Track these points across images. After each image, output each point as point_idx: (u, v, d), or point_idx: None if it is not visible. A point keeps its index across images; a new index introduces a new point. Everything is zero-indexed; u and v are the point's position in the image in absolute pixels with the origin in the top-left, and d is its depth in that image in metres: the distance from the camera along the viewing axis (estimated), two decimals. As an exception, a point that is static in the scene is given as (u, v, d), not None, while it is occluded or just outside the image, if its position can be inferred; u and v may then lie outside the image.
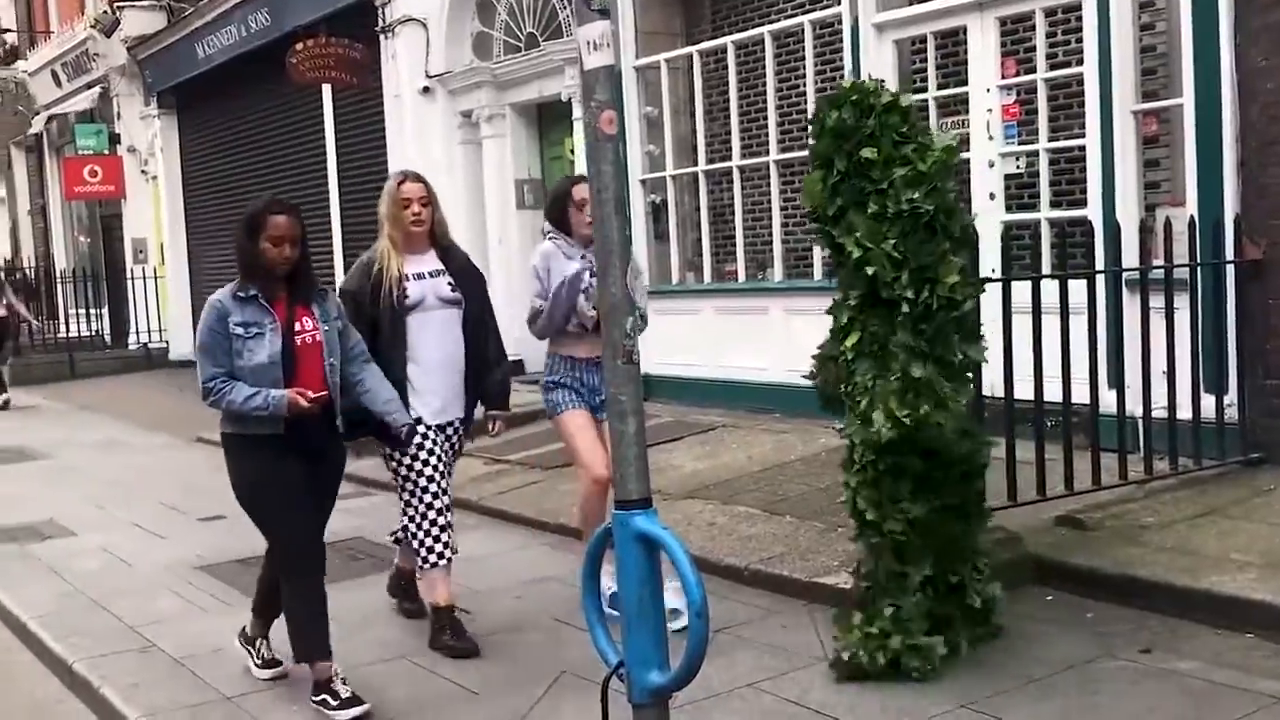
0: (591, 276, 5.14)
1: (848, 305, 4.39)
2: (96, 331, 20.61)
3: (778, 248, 9.27)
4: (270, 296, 4.40)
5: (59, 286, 21.36)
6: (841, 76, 8.51)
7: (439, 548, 5.12)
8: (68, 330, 19.59)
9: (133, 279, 18.81)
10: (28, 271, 22.49)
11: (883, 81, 4.59)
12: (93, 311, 20.74)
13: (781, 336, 9.02)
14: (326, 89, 13.93)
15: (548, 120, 12.25)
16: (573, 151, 11.52)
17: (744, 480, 7.25)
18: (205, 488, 8.48)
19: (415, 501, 5.11)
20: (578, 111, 11.07)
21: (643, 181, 10.29)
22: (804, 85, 8.97)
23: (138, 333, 18.97)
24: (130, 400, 14.13)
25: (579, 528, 5.55)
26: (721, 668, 4.49)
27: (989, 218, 7.23)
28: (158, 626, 5.52)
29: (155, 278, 18.83)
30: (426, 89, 12.73)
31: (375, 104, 13.33)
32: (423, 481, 5.08)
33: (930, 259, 4.21)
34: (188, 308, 17.81)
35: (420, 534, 5.11)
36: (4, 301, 15.22)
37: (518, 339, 12.24)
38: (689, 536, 6.03)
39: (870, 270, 4.21)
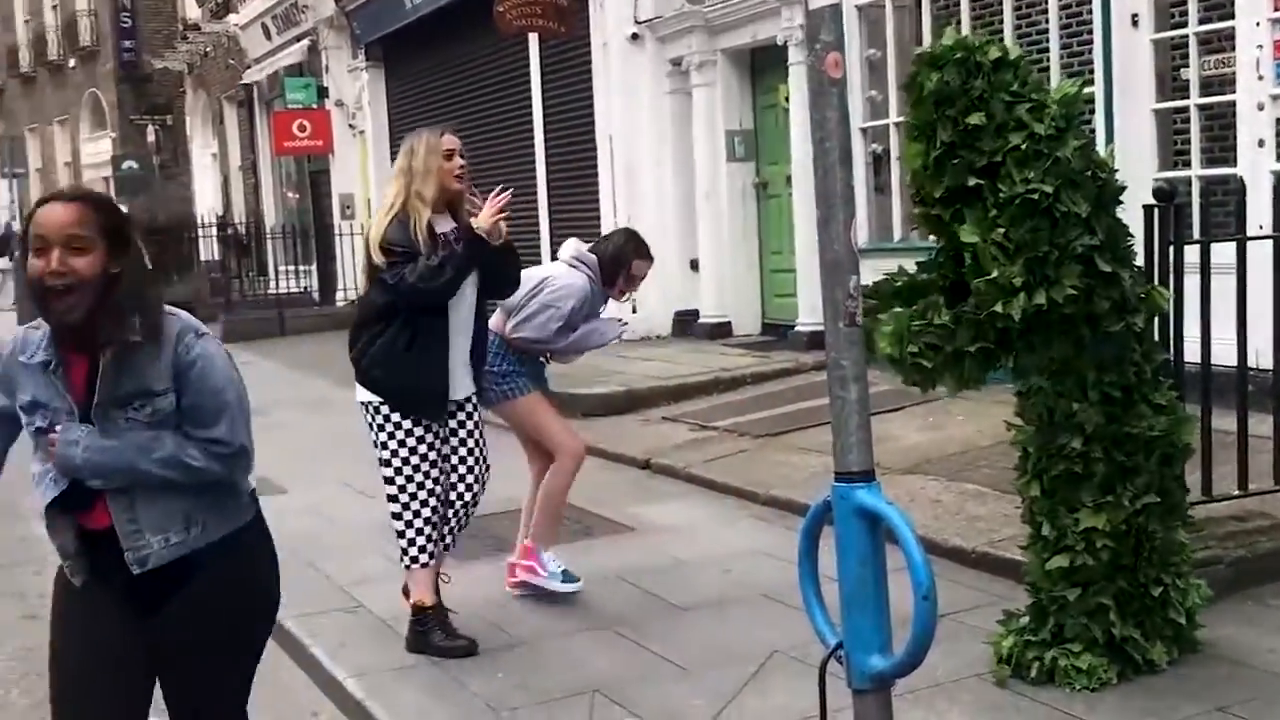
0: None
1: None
2: (305, 288, 21.53)
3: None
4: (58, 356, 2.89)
5: (269, 243, 22.37)
6: (1089, 13, 8.17)
7: (429, 545, 4.93)
8: (277, 287, 20.49)
9: (340, 235, 19.55)
10: (238, 228, 23.60)
11: (994, 35, 4.26)
12: (301, 268, 21.67)
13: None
14: (533, 39, 14.14)
15: (761, 67, 12.16)
16: (787, 99, 11.41)
17: (972, 455, 7.09)
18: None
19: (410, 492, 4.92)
20: (794, 56, 10.95)
21: (863, 130, 10.12)
22: (1046, 22, 8.63)
23: (345, 290, 19.74)
24: (339, 358, 14.68)
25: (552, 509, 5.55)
26: (946, 655, 4.38)
27: (1258, 167, 6.84)
28: (365, 587, 5.75)
29: (364, 233, 19.52)
30: (635, 36, 12.80)
31: (582, 53, 13.47)
32: (422, 473, 4.91)
33: (1046, 251, 3.88)
34: (393, 264, 18.44)
35: (410, 530, 4.92)
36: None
37: (728, 303, 12.29)
38: (911, 514, 5.92)
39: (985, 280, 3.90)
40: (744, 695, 4.33)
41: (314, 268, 21.73)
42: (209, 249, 23.24)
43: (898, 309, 4.09)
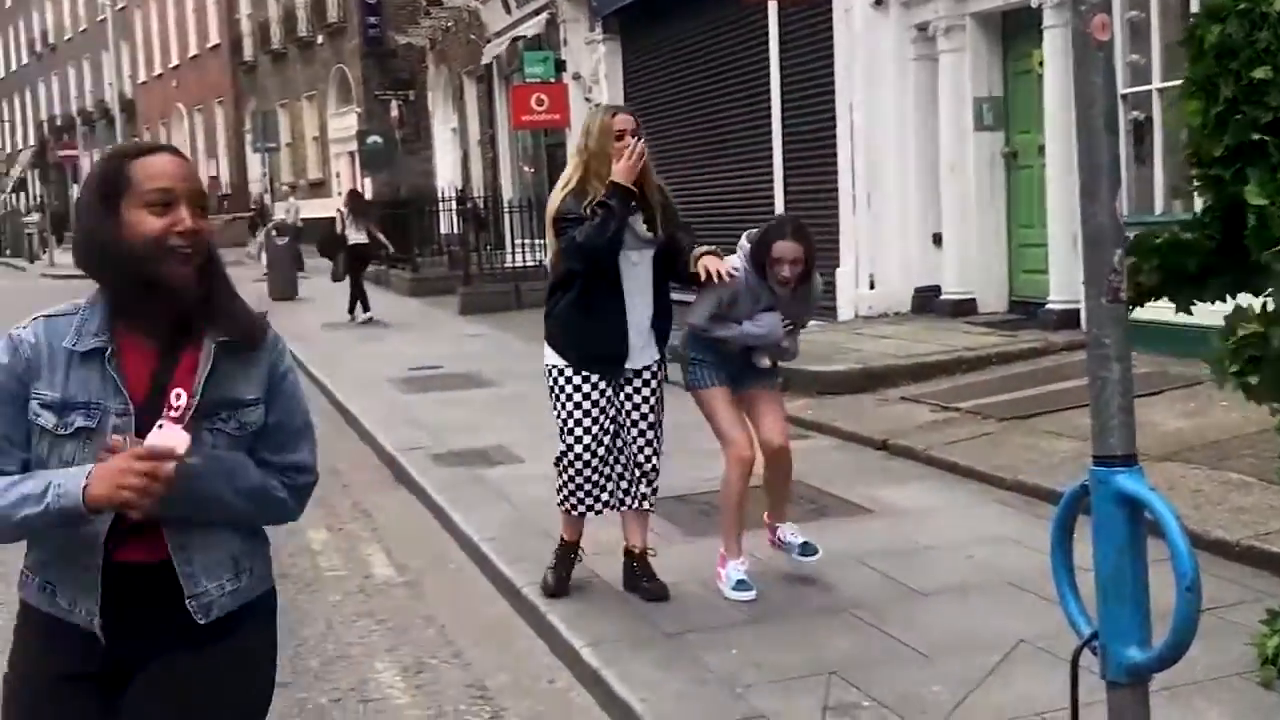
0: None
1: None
2: (539, 262, 22.01)
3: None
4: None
5: (506, 217, 22.96)
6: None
7: (586, 499, 5.28)
8: (513, 260, 21.02)
9: (576, 208, 19.89)
10: (477, 202, 24.29)
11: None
12: (537, 242, 22.17)
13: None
14: (772, 7, 14.06)
15: (1013, 31, 11.83)
16: (1041, 65, 11.07)
17: (1236, 443, 6.77)
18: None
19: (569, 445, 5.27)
20: (1050, 19, 10.62)
21: (1124, 96, 9.73)
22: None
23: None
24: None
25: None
26: (1206, 652, 4.21)
27: None
28: (602, 558, 5.87)
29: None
30: (879, 1, 12.62)
31: (823, 22, 13.36)
32: (584, 430, 5.22)
33: None
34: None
35: (563, 478, 5.31)
36: (363, 228, 18.11)
37: (972, 279, 12.03)
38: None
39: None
40: (988, 684, 4.27)
41: (549, 241, 22.14)
42: (446, 224, 24.03)
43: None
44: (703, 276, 5.15)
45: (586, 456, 5.24)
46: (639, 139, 5.18)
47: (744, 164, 15.33)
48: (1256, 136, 3.77)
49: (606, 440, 5.26)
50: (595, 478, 5.28)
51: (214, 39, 45.19)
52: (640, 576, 5.37)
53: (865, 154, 12.76)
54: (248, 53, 42.48)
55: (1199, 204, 4.12)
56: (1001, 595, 5.17)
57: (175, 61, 48.94)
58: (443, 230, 23.98)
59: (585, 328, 5.18)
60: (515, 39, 22.50)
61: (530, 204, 22.31)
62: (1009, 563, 5.55)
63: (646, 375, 5.31)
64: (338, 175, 36.52)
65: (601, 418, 5.23)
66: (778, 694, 4.29)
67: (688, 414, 5.70)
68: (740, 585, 5.29)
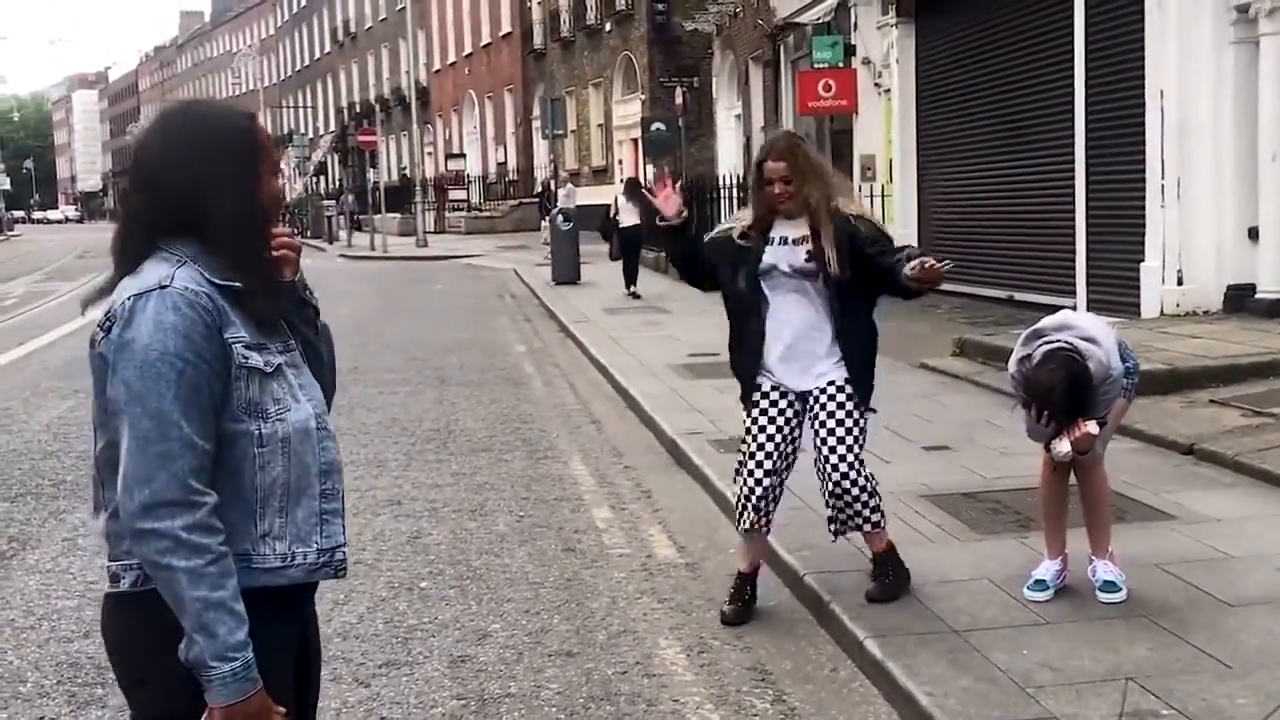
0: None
1: None
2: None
3: None
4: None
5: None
6: None
7: (751, 514, 5.33)
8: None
9: (871, 197, 19.81)
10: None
11: None
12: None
13: None
14: (1079, -12, 13.68)
15: (1348, 11, 11.14)
16: (1380, 48, 10.40)
17: None
18: (929, 416, 8.88)
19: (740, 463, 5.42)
20: (1390, -2, 9.97)
21: None
22: None
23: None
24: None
25: None
26: None
27: None
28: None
29: (883, 195, 19.73)
30: (1196, -19, 12.10)
31: (1134, 3, 12.88)
32: (751, 447, 5.37)
33: None
34: (913, 228, 18.51)
35: (735, 497, 5.43)
36: (636, 212, 19.76)
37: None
38: None
39: None
40: (1301, 703, 4.10)
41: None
42: (729, 210, 24.26)
43: None
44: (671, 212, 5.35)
45: (752, 468, 5.44)
46: (801, 180, 5.17)
47: (1043, 153, 14.93)
48: None
49: (787, 457, 5.50)
50: (760, 491, 5.45)
51: (506, 27, 46.91)
52: (880, 576, 5.46)
53: (1176, 142, 12.23)
54: (537, 40, 43.91)
55: None
56: (1317, 610, 4.95)
57: (469, 50, 51.00)
58: (722, 217, 24.24)
59: (734, 350, 5.63)
60: (806, 22, 22.51)
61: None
62: (1327, 577, 5.30)
63: (824, 399, 5.34)
64: (620, 162, 37.35)
65: (774, 434, 5.41)
66: (1071, 698, 4.24)
67: (979, 411, 5.66)
68: (1036, 585, 5.23)
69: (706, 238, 5.62)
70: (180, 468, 2.18)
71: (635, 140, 34.12)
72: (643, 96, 35.25)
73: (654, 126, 29.60)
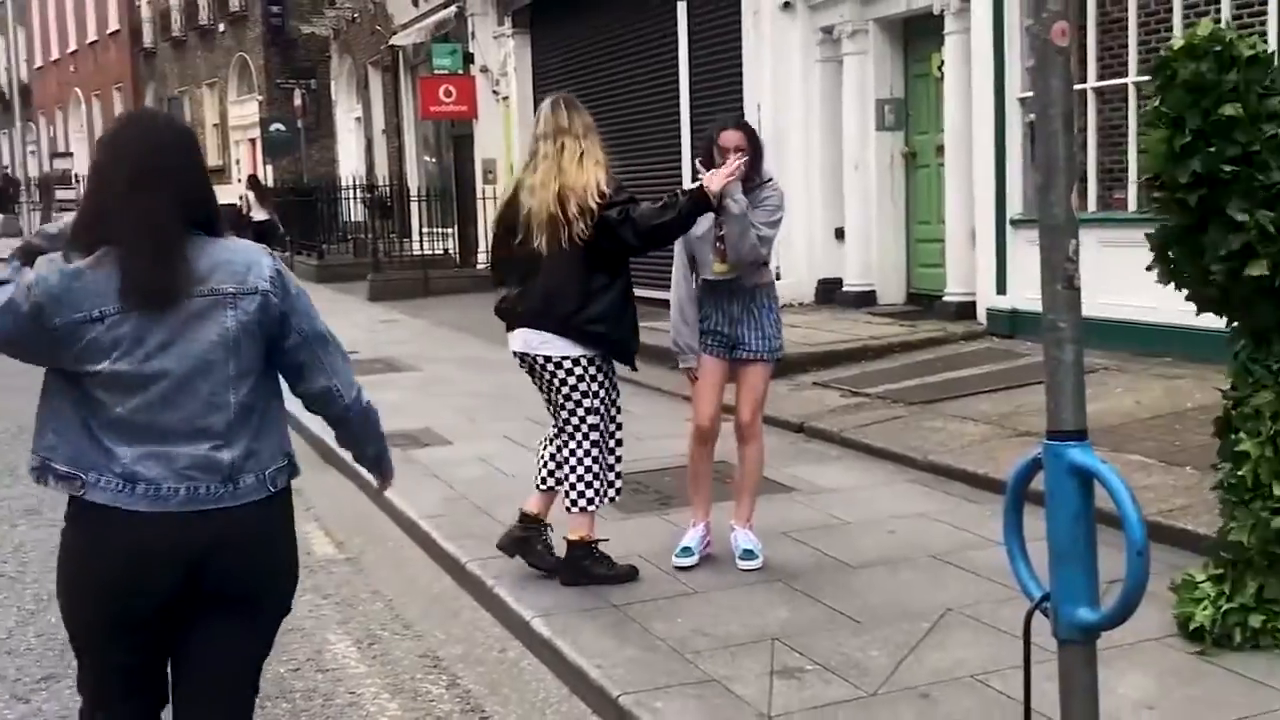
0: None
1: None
2: (446, 250, 21.94)
3: (1176, 175, 8.85)
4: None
5: (411, 205, 22.84)
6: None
7: (603, 489, 5.25)
8: (422, 249, 20.92)
9: (483, 199, 19.88)
10: (383, 190, 24.13)
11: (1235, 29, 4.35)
12: (442, 231, 22.08)
13: (1176, 272, 8.64)
14: (682, 6, 14.22)
15: (914, 35, 12.10)
16: (941, 68, 11.35)
17: (1133, 427, 7.05)
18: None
19: (597, 440, 5.21)
20: (949, 25, 10.91)
21: (1021, 100, 10.02)
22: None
23: (487, 252, 20.07)
24: (484, 320, 14.99)
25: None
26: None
27: None
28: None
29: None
30: (787, 4, 12.82)
31: (732, 21, 13.52)
32: (605, 422, 5.23)
33: None
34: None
35: (589, 474, 5.21)
36: (265, 208, 20.11)
37: (873, 272, 12.28)
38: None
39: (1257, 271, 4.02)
40: (921, 649, 4.43)
41: (454, 230, 22.12)
42: (352, 211, 23.83)
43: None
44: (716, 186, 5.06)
45: (611, 444, 5.27)
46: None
47: (653, 159, 15.43)
48: (1228, 168, 4.04)
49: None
50: (613, 465, 5.32)
51: (113, 25, 44.09)
52: (544, 557, 5.42)
53: (773, 150, 12.75)
54: (147, 39, 41.51)
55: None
56: (925, 567, 5.35)
57: (73, 47, 47.65)
58: (347, 218, 23.80)
59: (632, 322, 5.21)
60: (423, 30, 22.35)
61: (436, 193, 22.21)
62: (929, 537, 5.75)
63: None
64: (238, 162, 35.90)
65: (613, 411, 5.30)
66: (726, 660, 4.41)
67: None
68: (683, 551, 5.45)
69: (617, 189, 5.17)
70: None
71: (254, 141, 32.87)
72: (260, 98, 33.93)
73: (273, 127, 28.58)
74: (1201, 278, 4.27)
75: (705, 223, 5.30)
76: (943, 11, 10.98)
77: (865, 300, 12.28)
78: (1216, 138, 4.05)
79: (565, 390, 5.15)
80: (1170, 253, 4.35)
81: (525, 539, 5.33)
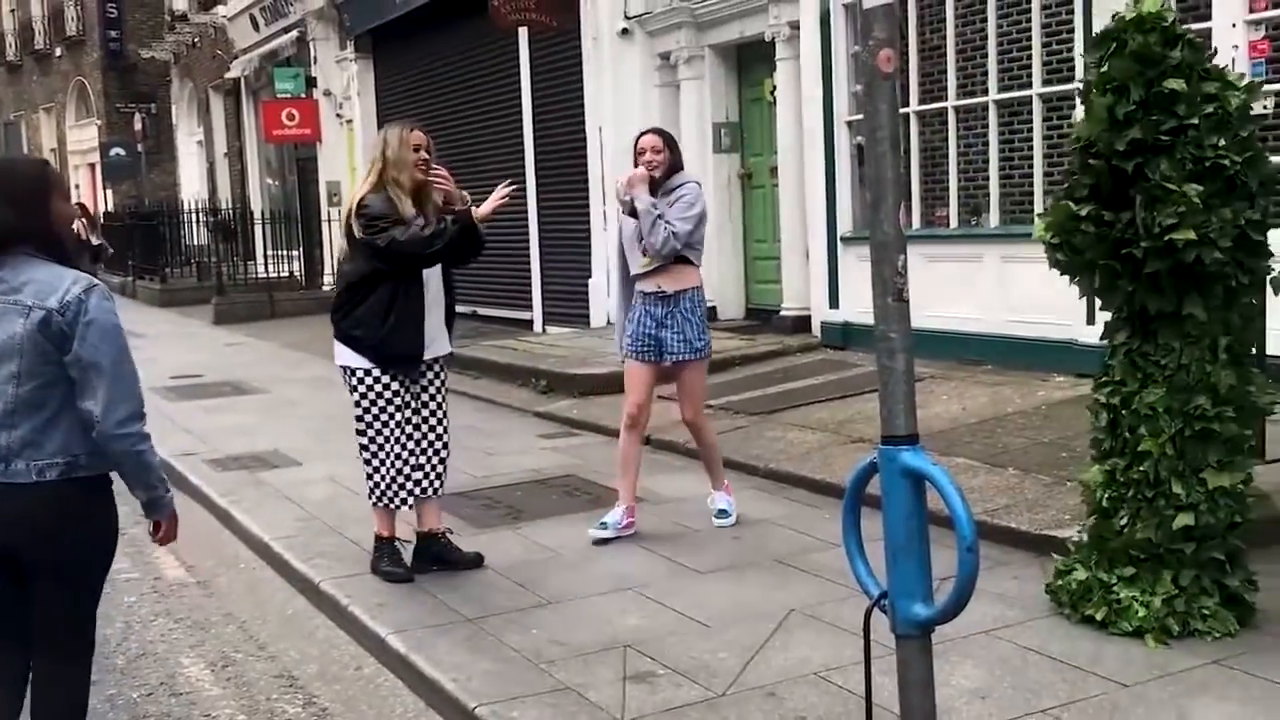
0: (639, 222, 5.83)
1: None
2: (291, 273, 21.53)
3: (994, 192, 9.18)
4: None
5: (255, 228, 22.37)
6: (1070, 13, 8.36)
7: (400, 491, 5.42)
8: (268, 271, 20.50)
9: (328, 222, 19.57)
10: (227, 213, 23.58)
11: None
12: (287, 253, 21.65)
13: (995, 285, 8.96)
14: (523, 32, 14.22)
15: (748, 62, 12.30)
16: (773, 93, 11.57)
17: (960, 432, 7.27)
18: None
19: (378, 443, 5.39)
20: (781, 51, 11.12)
21: (849, 123, 10.27)
22: (1028, 22, 8.80)
23: (331, 274, 19.77)
24: (331, 340, 14.79)
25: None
26: (954, 612, 4.57)
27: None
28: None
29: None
30: (625, 31, 12.91)
31: (572, 47, 13.56)
32: (391, 426, 5.38)
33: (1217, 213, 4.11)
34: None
35: (376, 475, 5.40)
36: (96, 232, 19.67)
37: (713, 288, 12.43)
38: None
39: (1182, 236, 4.11)
40: (767, 649, 4.49)
41: (299, 253, 21.74)
42: (195, 234, 23.22)
43: (1063, 201, 4.40)
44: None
45: (398, 450, 5.36)
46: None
47: (498, 180, 15.30)
48: (1165, 138, 4.16)
49: (414, 433, 5.41)
50: (407, 470, 5.40)
51: (-57, 48, 42.17)
52: (453, 551, 5.58)
53: (615, 172, 12.94)
54: (-20, 62, 39.87)
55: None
56: (770, 571, 5.42)
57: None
58: (190, 242, 23.18)
59: (389, 328, 5.26)
60: (265, 55, 21.93)
61: (280, 216, 21.78)
62: (772, 542, 5.83)
63: (437, 367, 5.51)
64: (77, 187, 34.66)
65: (407, 411, 5.38)
66: (580, 668, 4.41)
67: (462, 417, 5.78)
68: (600, 525, 5.87)
69: (376, 210, 5.26)
70: None
71: (93, 165, 31.79)
72: (99, 122, 32.85)
73: (112, 152, 27.73)
74: (1102, 259, 4.33)
75: (632, 225, 5.85)
76: (774, 39, 11.19)
77: (707, 316, 12.39)
78: (1157, 109, 4.15)
79: (350, 394, 5.41)
80: (1073, 239, 4.38)
81: (424, 550, 5.55)
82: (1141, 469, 4.37)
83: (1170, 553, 4.35)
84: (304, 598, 5.61)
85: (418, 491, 5.46)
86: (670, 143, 5.99)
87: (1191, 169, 4.13)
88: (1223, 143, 4.12)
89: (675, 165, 5.94)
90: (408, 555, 5.55)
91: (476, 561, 5.55)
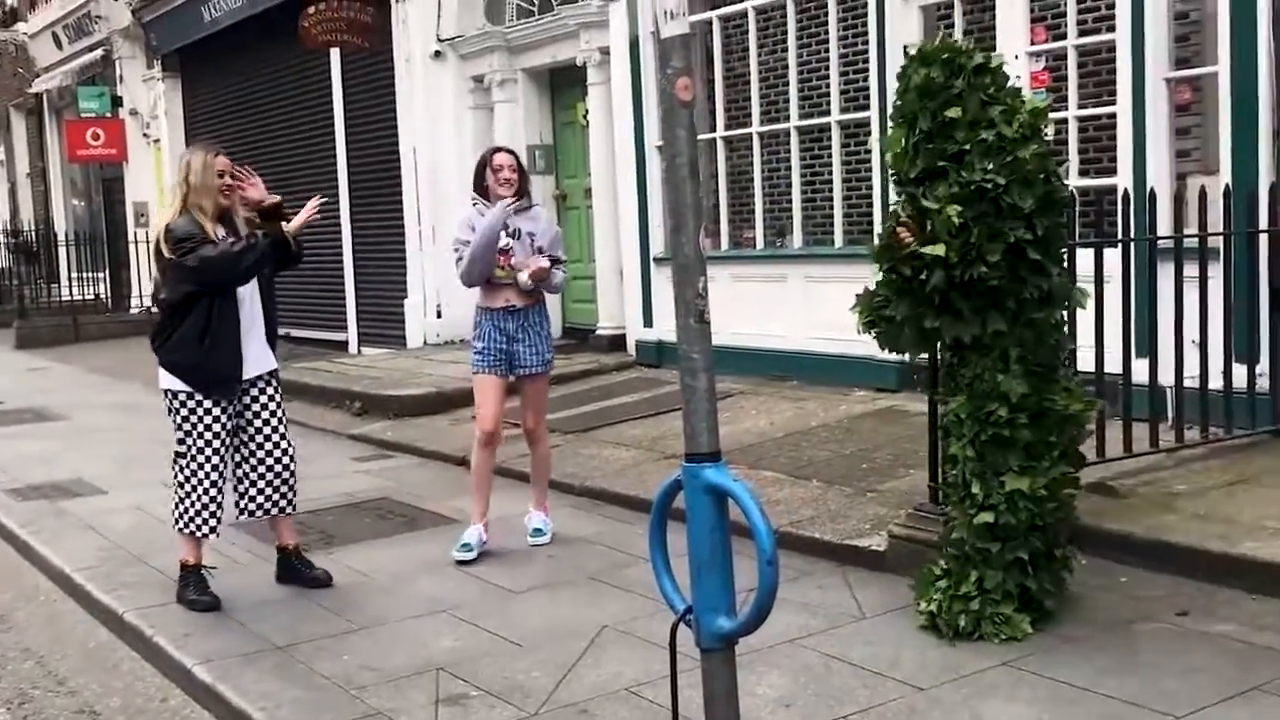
0: (510, 236, 5.93)
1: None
2: (97, 295, 20.67)
3: (797, 214, 9.39)
4: None
5: (59, 250, 21.41)
6: (865, 44, 8.62)
7: (210, 519, 5.32)
8: (72, 294, 19.64)
9: (135, 243, 18.86)
10: (28, 234, 22.51)
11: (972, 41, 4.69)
12: (93, 276, 20.78)
13: (800, 304, 9.15)
14: (335, 53, 13.97)
15: (560, 85, 12.33)
16: (585, 116, 11.61)
17: (767, 446, 7.40)
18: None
19: (193, 469, 5.28)
20: (592, 76, 11.17)
21: (659, 147, 10.36)
22: (826, 52, 9.05)
23: (141, 296, 19.05)
24: (139, 363, 14.15)
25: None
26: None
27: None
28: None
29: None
30: (438, 53, 12.81)
31: (385, 68, 13.38)
32: (209, 451, 5.27)
33: (980, 231, 4.28)
34: (192, 272, 17.90)
35: (187, 500, 5.29)
36: None
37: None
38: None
39: (932, 251, 4.28)
40: (579, 667, 4.47)
41: (106, 275, 20.90)
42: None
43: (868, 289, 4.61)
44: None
45: (214, 477, 5.24)
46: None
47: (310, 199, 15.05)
48: (941, 164, 4.33)
49: (249, 456, 5.38)
50: (220, 498, 5.28)
51: None
52: (305, 567, 5.56)
53: (430, 192, 12.89)
54: None
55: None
56: (583, 588, 5.41)
57: None
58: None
59: (206, 350, 5.16)
60: (69, 73, 21.03)
61: (86, 237, 20.91)
62: (586, 560, 5.82)
63: (262, 384, 5.41)
64: None
65: (227, 438, 5.28)
66: (391, 693, 4.31)
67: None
68: (463, 547, 5.79)
69: (184, 232, 5.19)
70: None
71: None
72: (-112, 139, 31.04)
73: (-96, 170, 26.24)
74: (909, 313, 4.51)
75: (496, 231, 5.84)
76: (585, 64, 11.24)
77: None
78: (939, 136, 4.34)
79: (172, 418, 5.31)
80: (882, 312, 4.59)
81: (286, 565, 5.59)
82: (954, 473, 4.60)
83: (977, 551, 4.51)
84: (107, 630, 5.37)
85: (270, 508, 5.46)
86: (519, 162, 6.10)
87: (957, 192, 4.32)
88: (991, 166, 4.30)
89: (525, 185, 6.06)
90: (214, 584, 5.37)
91: (325, 580, 5.52)
